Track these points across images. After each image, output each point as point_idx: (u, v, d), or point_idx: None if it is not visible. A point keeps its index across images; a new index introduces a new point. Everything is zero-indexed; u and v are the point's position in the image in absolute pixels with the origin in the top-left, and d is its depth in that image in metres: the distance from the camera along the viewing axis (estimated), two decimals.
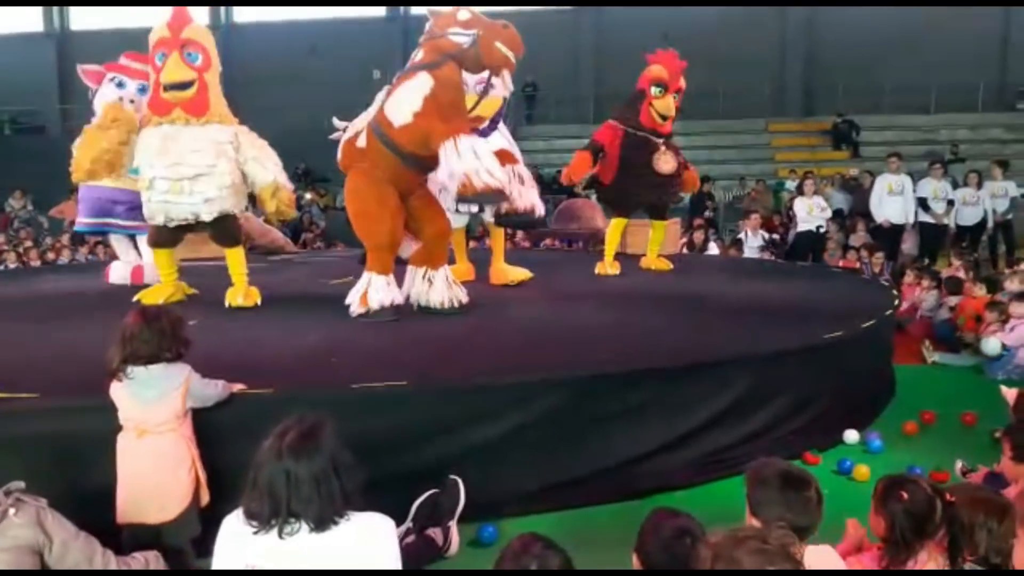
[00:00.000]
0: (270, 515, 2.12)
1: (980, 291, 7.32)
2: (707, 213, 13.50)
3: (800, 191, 11.23)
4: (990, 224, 11.16)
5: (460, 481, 3.44)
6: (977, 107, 18.73)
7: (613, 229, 7.22)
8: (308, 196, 16.44)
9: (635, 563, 2.25)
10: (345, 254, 8.92)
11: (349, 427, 2.57)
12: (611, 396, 3.90)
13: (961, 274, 8.23)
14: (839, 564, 2.37)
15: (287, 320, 5.18)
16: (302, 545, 2.11)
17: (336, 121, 7.65)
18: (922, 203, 10.81)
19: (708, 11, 19.23)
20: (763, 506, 2.30)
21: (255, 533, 2.13)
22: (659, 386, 4.01)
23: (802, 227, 10.75)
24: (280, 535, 2.11)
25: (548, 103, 20.70)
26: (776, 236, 11.71)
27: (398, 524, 2.69)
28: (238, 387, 3.33)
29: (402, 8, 22.93)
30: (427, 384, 3.71)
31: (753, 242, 10.82)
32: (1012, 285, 6.95)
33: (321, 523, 2.12)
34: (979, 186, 11.17)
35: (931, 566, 2.38)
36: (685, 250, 10.31)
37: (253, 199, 5.67)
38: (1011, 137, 17.56)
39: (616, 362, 4.04)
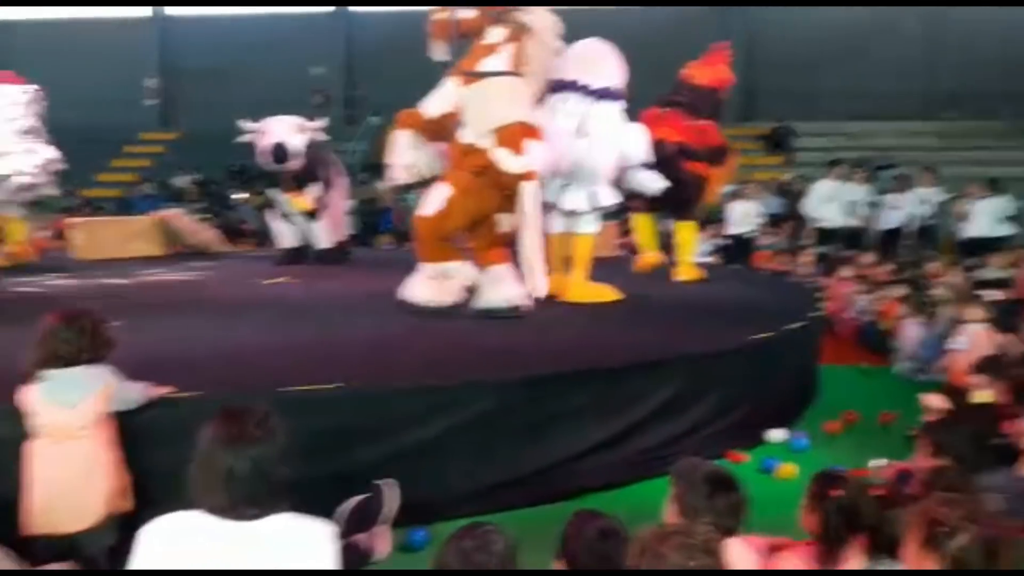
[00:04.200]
0: (227, 504, 2.04)
1: (899, 292, 7.58)
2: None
3: (738, 195, 11.46)
4: (912, 228, 11.56)
5: (390, 486, 3.42)
6: (907, 115, 19.37)
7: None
8: (242, 196, 16.10)
9: (557, 567, 2.27)
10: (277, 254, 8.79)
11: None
12: (544, 398, 3.94)
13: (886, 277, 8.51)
14: (751, 557, 2.43)
15: (218, 321, 5.09)
16: (252, 533, 2.04)
17: (244, 124, 7.55)
18: (849, 207, 11.17)
19: (646, 16, 19.49)
20: (690, 508, 2.34)
21: (208, 526, 2.04)
22: (592, 387, 4.07)
23: (734, 230, 10.98)
24: (235, 522, 2.03)
25: None
26: (726, 242, 11.90)
27: None
28: (163, 390, 3.26)
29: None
30: (358, 387, 3.68)
31: (705, 247, 10.99)
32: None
33: (267, 511, 2.06)
34: (905, 191, 11.56)
35: (855, 563, 2.46)
36: (622, 252, 10.41)
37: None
38: (939, 145, 18.18)
39: (550, 364, 4.08)
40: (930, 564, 1.84)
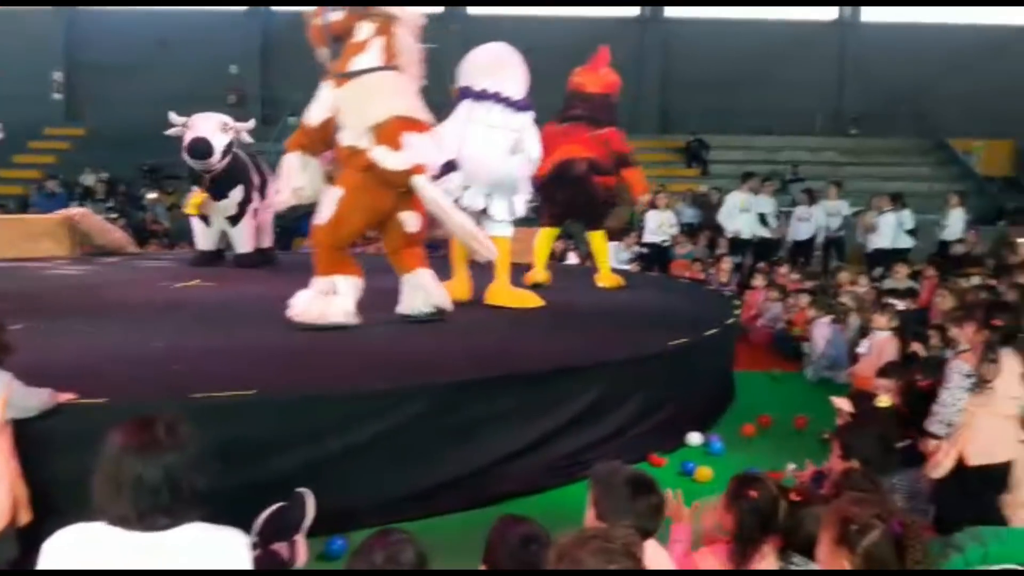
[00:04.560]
0: (135, 515, 1.94)
1: (808, 301, 7.86)
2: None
3: (652, 205, 11.71)
4: (820, 239, 12.04)
5: (308, 494, 3.34)
6: (815, 131, 20.20)
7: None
8: (152, 195, 15.56)
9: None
10: (191, 256, 8.51)
11: None
12: (467, 403, 3.90)
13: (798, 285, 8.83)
14: (667, 559, 2.47)
15: (127, 325, 4.88)
16: (161, 543, 1.95)
17: (173, 117, 7.30)
18: (760, 218, 11.56)
19: (567, 27, 19.73)
20: (610, 511, 2.35)
21: (113, 537, 1.94)
22: (516, 392, 4.06)
23: (650, 239, 11.21)
24: (143, 533, 1.93)
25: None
26: (644, 250, 12.13)
27: None
28: (66, 397, 3.09)
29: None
30: (275, 394, 3.58)
31: (623, 256, 11.17)
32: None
33: (178, 521, 1.97)
34: (811, 204, 12.03)
35: (767, 563, 2.52)
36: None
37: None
38: (845, 160, 19.06)
39: (473, 369, 4.05)
40: (843, 561, 1.90)
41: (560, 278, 8.24)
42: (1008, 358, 3.30)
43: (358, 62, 4.88)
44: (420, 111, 4.93)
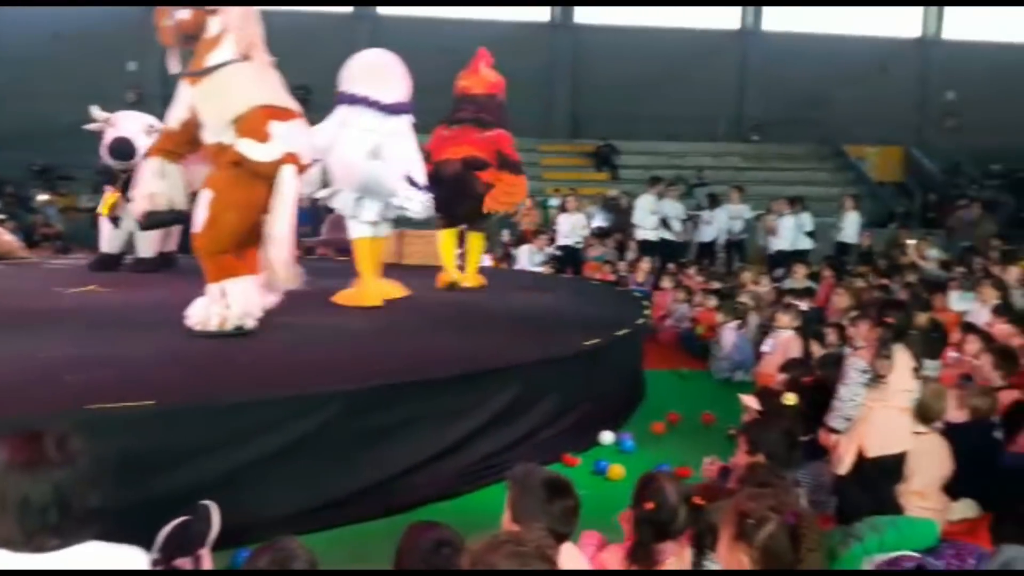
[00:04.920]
0: (21, 536, 1.81)
1: (714, 301, 8.10)
2: None
3: (563, 208, 11.85)
4: (722, 241, 12.43)
5: (213, 507, 3.21)
6: (719, 137, 20.85)
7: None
8: (43, 197, 14.77)
9: None
10: (87, 260, 8.10)
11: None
12: (376, 411, 3.83)
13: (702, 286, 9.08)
14: (582, 560, 2.48)
15: (15, 333, 4.59)
16: (52, 565, 1.84)
17: (96, 111, 6.95)
18: (664, 222, 11.85)
19: (480, 30, 19.77)
20: (525, 513, 2.34)
21: (2, 560, 1.81)
22: (429, 397, 4.01)
23: (564, 242, 11.34)
24: (32, 555, 1.81)
25: (322, 108, 20.17)
26: (558, 252, 12.24)
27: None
28: None
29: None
30: (176, 404, 3.43)
31: (537, 258, 11.24)
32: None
33: (70, 540, 1.86)
34: (715, 207, 12.42)
35: (675, 563, 2.56)
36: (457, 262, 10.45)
37: None
38: (747, 165, 19.74)
39: (386, 374, 3.98)
40: (742, 555, 1.93)
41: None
42: (900, 353, 3.47)
43: (212, 58, 4.70)
44: (284, 99, 4.80)
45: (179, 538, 3.09)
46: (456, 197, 6.85)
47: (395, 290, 6.32)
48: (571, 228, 11.30)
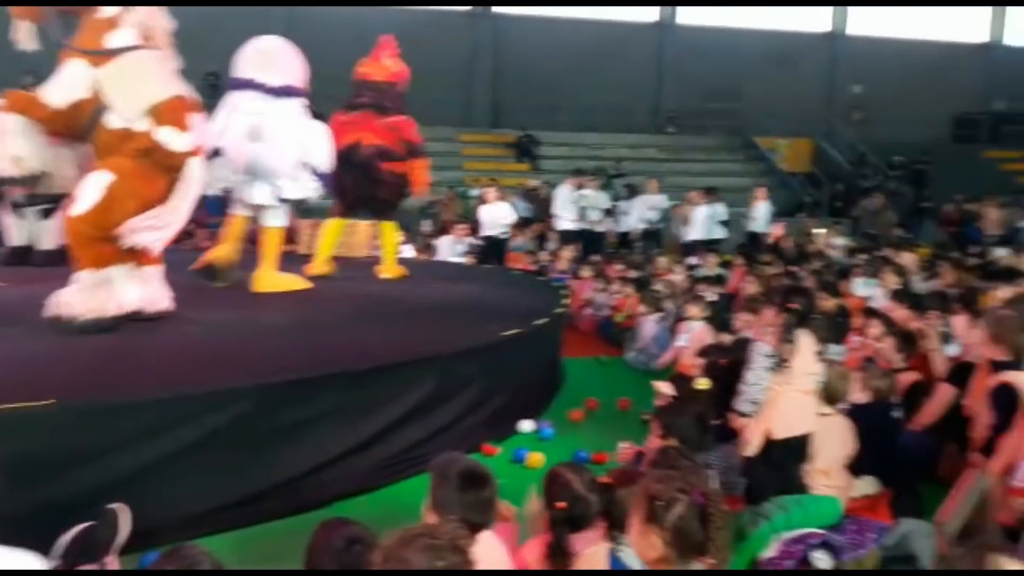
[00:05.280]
0: None
1: (631, 289, 8.23)
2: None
3: (484, 199, 11.85)
4: (640, 231, 12.65)
5: (122, 509, 3.09)
6: (635, 129, 21.18)
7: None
8: None
9: None
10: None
11: None
12: (289, 405, 3.75)
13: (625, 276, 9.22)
14: (501, 549, 2.49)
15: None
16: None
17: None
18: (582, 212, 11.98)
19: (398, 18, 19.53)
20: (443, 503, 2.34)
21: None
22: (345, 390, 3.95)
23: (487, 232, 11.34)
24: None
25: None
26: (479, 242, 12.21)
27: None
28: None
29: None
30: (77, 403, 3.27)
31: (458, 248, 11.19)
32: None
33: None
34: (634, 198, 12.63)
35: (590, 554, 2.58)
36: (377, 253, 10.33)
37: None
38: (663, 156, 20.12)
39: (300, 368, 3.90)
40: (653, 537, 1.97)
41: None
42: (804, 338, 3.59)
43: (114, 39, 4.52)
44: (189, 92, 4.74)
45: (83, 543, 2.97)
46: (364, 183, 6.77)
47: (295, 282, 6.22)
48: (493, 219, 11.29)
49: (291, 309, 5.49)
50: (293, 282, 6.21)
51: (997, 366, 3.77)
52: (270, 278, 6.07)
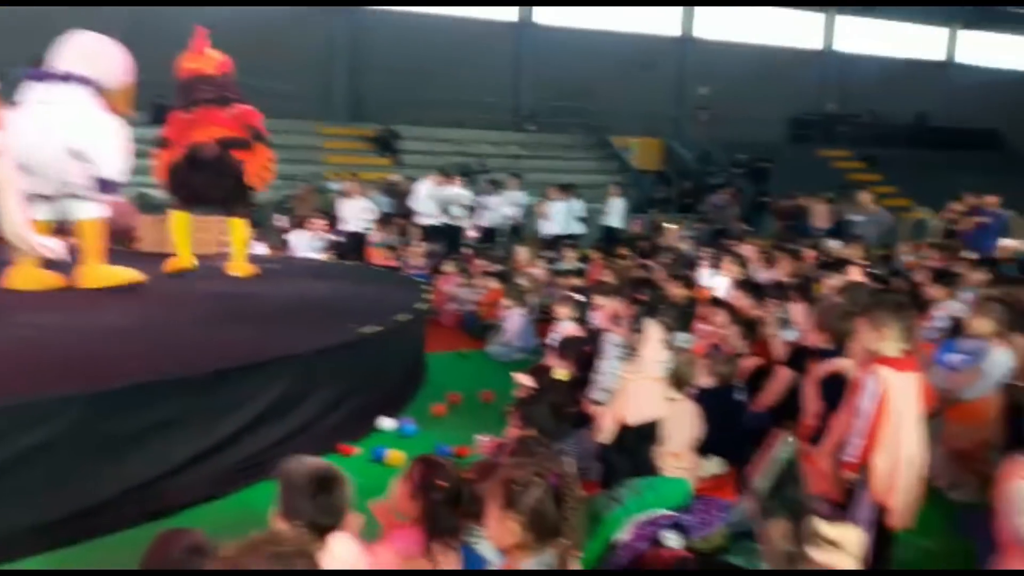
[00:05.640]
0: None
1: (494, 284, 8.29)
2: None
3: (344, 193, 11.60)
4: (502, 227, 12.78)
5: None
6: (497, 126, 21.37)
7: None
8: None
9: None
10: None
11: None
12: (135, 410, 3.53)
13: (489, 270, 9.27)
14: (355, 549, 2.43)
15: None
16: None
17: None
18: (445, 209, 11.95)
19: (253, 14, 18.80)
20: (293, 509, 2.25)
21: None
22: (189, 395, 3.75)
23: (348, 227, 11.11)
24: None
25: None
26: (338, 238, 11.89)
27: None
28: None
29: None
30: None
31: (316, 243, 10.84)
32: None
33: None
34: (496, 194, 12.73)
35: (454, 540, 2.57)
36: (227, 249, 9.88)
37: None
38: (524, 153, 20.40)
39: (136, 374, 3.66)
40: (511, 523, 1.98)
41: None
42: (652, 327, 3.73)
43: None
44: None
45: None
46: (214, 180, 6.49)
47: (125, 275, 5.85)
48: (354, 214, 11.06)
49: (134, 311, 5.16)
50: (124, 275, 5.81)
51: (822, 354, 4.05)
52: (98, 272, 5.69)
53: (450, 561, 2.54)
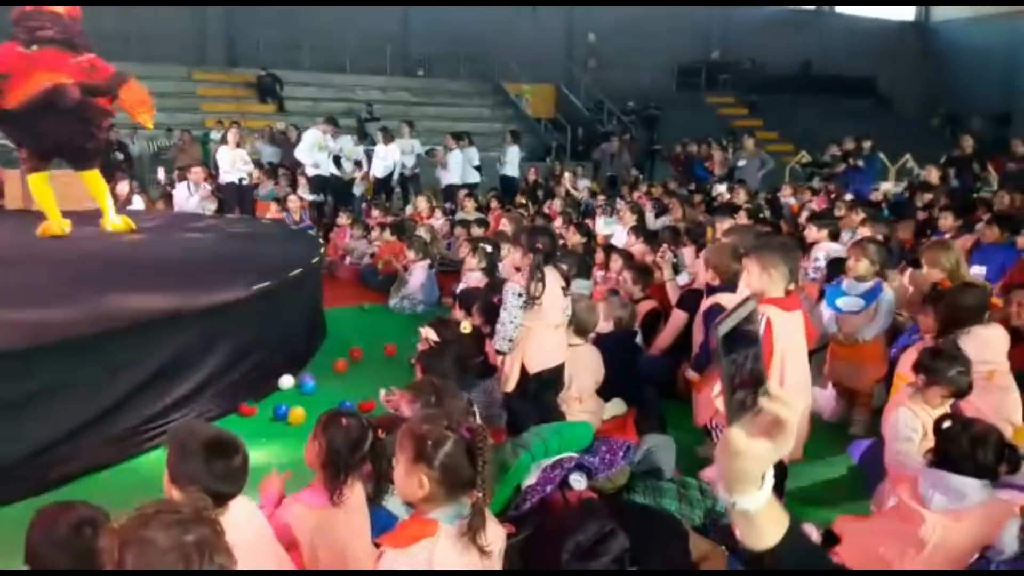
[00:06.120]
0: None
1: (390, 236, 8.15)
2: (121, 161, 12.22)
3: (224, 141, 11.02)
4: (396, 176, 12.50)
5: None
6: (386, 71, 20.76)
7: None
8: None
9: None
10: None
11: None
12: (10, 378, 3.30)
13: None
14: (256, 513, 2.37)
15: None
16: None
17: None
18: (336, 160, 11.57)
19: None
20: (186, 476, 2.13)
21: None
22: (70, 359, 3.54)
23: (226, 178, 10.58)
24: None
25: None
26: (216, 192, 11.31)
27: None
28: None
29: None
30: None
31: (196, 197, 10.26)
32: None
33: None
34: (389, 143, 12.40)
35: (356, 492, 2.54)
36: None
37: None
38: (415, 100, 19.95)
39: (12, 339, 3.42)
40: (422, 475, 1.96)
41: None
42: (551, 274, 3.74)
43: None
44: None
45: None
46: (65, 130, 5.87)
47: None
48: (232, 163, 10.49)
49: (9, 273, 4.79)
50: None
51: (712, 291, 4.20)
52: None
53: (355, 494, 2.50)
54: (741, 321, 1.01)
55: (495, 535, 2.06)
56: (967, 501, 2.73)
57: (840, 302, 4.52)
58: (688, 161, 14.43)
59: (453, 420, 2.06)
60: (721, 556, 2.83)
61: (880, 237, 5.62)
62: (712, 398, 3.71)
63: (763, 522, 1.05)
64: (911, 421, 3.21)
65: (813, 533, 3.00)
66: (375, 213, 10.03)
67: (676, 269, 5.85)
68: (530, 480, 3.20)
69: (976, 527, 2.74)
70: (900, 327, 4.87)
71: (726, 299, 3.92)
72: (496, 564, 2.10)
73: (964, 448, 2.81)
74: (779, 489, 3.39)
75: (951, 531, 2.72)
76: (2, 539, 2.76)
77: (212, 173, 10.82)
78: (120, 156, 12.35)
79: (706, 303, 4.11)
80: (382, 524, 2.60)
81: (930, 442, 3.00)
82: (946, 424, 2.94)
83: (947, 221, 6.90)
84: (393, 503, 2.77)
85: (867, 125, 15.72)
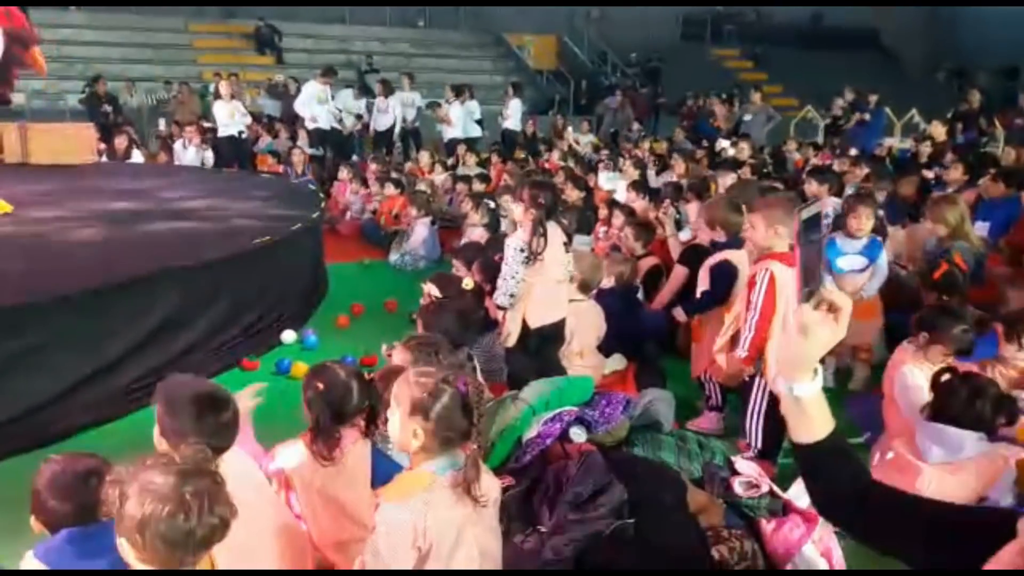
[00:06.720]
0: None
1: (392, 190, 8.10)
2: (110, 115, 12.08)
3: (218, 94, 10.86)
4: (398, 130, 12.38)
5: None
6: (386, 21, 20.39)
7: None
8: None
9: (34, 526, 1.94)
10: None
11: None
12: (13, 332, 3.31)
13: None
14: (250, 463, 2.39)
15: None
16: None
17: None
18: (338, 116, 11.44)
19: None
20: (176, 431, 2.13)
21: None
22: (73, 313, 3.54)
23: (224, 132, 10.47)
24: None
25: None
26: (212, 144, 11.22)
27: None
28: None
29: None
30: None
31: (193, 151, 10.16)
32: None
33: None
34: (389, 95, 12.24)
35: (356, 445, 2.55)
36: (105, 158, 9.25)
37: None
38: (416, 52, 19.64)
39: (16, 292, 3.43)
40: (417, 427, 1.98)
41: (129, 178, 7.38)
42: (552, 229, 3.72)
43: None
44: None
45: None
46: None
47: None
48: (230, 116, 10.36)
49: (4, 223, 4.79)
50: None
51: (717, 246, 4.18)
52: None
53: (356, 446, 2.52)
54: (815, 215, 1.10)
55: (489, 486, 2.09)
56: (964, 453, 2.76)
57: (841, 262, 4.43)
58: (698, 116, 14.27)
59: (450, 375, 2.07)
60: (718, 509, 2.86)
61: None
62: (711, 352, 3.73)
63: (814, 411, 1.22)
64: (916, 377, 3.23)
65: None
66: (375, 167, 9.93)
67: (679, 225, 5.82)
68: (530, 433, 3.22)
69: (972, 480, 2.77)
70: (902, 281, 4.84)
71: (735, 256, 3.91)
72: (491, 514, 2.13)
73: (963, 400, 2.83)
74: (777, 445, 3.42)
75: (947, 484, 2.75)
76: (6, 490, 2.82)
77: (210, 127, 10.71)
78: (109, 108, 12.24)
79: (714, 258, 4.07)
80: (383, 470, 2.60)
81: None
82: (945, 377, 2.95)
83: (956, 173, 6.79)
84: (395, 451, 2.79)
85: (871, 78, 15.50)
